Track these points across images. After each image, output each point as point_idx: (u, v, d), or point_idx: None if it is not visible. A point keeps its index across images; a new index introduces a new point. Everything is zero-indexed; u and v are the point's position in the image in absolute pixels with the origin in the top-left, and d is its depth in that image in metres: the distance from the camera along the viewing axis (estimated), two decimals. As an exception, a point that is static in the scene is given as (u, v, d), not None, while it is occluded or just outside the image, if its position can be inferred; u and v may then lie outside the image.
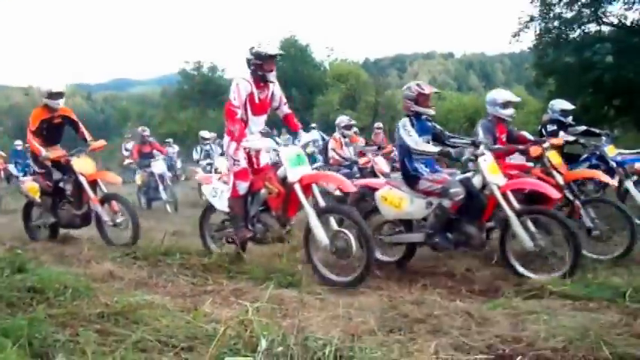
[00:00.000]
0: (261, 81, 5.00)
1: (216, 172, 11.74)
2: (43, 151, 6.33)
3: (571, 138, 7.57)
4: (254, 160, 5.17)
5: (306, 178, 4.72)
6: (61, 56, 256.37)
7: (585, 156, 7.48)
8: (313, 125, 16.19)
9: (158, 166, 11.24)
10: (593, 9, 19.19)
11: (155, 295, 3.77)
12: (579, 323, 3.01)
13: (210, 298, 3.70)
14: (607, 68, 18.91)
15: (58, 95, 6.53)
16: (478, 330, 3.04)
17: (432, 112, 5.16)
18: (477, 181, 4.78)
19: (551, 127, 7.81)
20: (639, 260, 4.99)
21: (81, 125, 6.81)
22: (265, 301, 3.18)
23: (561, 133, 7.62)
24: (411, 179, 4.98)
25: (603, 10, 19.30)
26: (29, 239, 6.76)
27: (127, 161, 19.21)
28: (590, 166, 7.24)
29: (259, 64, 4.92)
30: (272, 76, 5.03)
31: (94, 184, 6.37)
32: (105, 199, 6.38)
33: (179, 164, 18.55)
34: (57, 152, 6.51)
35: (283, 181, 4.79)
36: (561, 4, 19.52)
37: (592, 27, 19.83)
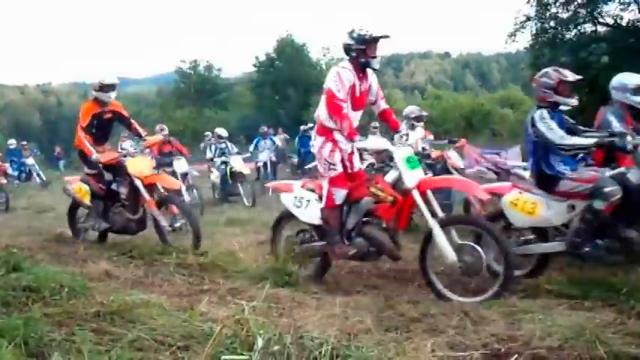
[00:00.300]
0: (361, 69, 4.38)
1: (232, 171, 11.85)
2: (94, 153, 5.80)
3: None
4: (347, 164, 4.55)
5: (424, 183, 4.17)
6: (57, 54, 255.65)
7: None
8: (312, 125, 16.08)
9: (180, 165, 10.70)
10: (589, 9, 19.24)
11: (151, 294, 3.76)
12: (575, 322, 3.02)
13: (207, 297, 3.69)
14: (603, 69, 18.96)
15: (110, 87, 6.00)
16: (474, 329, 3.04)
17: (574, 102, 4.37)
18: (635, 176, 4.05)
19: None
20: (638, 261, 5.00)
21: (133, 121, 6.35)
22: (262, 300, 3.19)
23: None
24: (549, 180, 4.28)
25: (599, 10, 19.36)
26: (74, 238, 6.36)
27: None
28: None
29: (362, 50, 4.27)
30: (376, 62, 4.37)
31: (150, 187, 5.89)
32: (162, 202, 5.95)
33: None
34: (109, 154, 6.06)
35: (393, 187, 4.24)
36: (557, 4, 19.57)
37: (588, 27, 19.90)
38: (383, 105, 4.68)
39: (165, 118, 35.02)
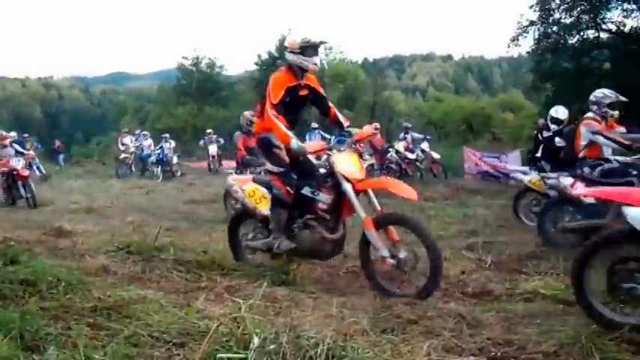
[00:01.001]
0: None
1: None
2: (294, 140, 4.30)
3: (564, 144, 7.66)
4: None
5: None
6: (58, 48, 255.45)
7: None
8: (315, 125, 15.89)
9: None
10: (592, 15, 19.30)
11: (148, 290, 3.75)
12: (571, 327, 3.03)
13: (204, 294, 3.69)
14: (604, 75, 19.01)
15: (315, 50, 4.50)
16: (470, 332, 3.05)
17: None
18: None
19: (546, 133, 7.90)
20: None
21: (331, 105, 4.83)
22: (258, 299, 3.19)
23: (557, 139, 7.70)
24: None
25: (602, 16, 19.43)
26: (235, 261, 4.89)
27: (122, 155, 19.29)
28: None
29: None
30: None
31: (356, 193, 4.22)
32: (382, 221, 4.14)
33: (175, 160, 18.56)
34: (315, 144, 4.63)
35: None
36: (560, 9, 19.64)
37: (590, 33, 19.98)
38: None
39: (165, 114, 35.13)
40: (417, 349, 2.68)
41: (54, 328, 2.76)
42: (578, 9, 19.32)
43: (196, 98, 36.89)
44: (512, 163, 13.69)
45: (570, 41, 20.01)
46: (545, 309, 3.61)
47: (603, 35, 20.00)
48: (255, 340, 2.42)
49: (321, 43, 4.52)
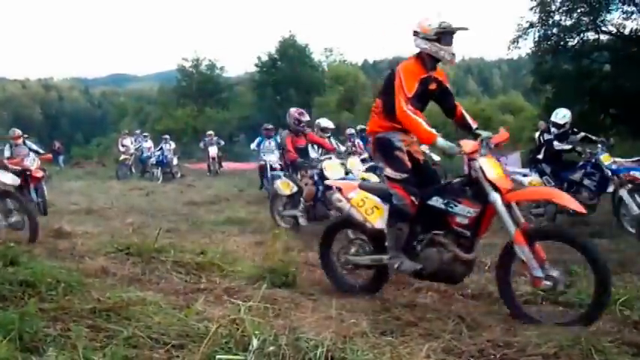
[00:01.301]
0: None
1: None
2: (442, 139, 3.70)
3: (567, 147, 7.66)
4: None
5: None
6: (59, 49, 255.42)
7: (581, 164, 7.57)
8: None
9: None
10: (592, 17, 19.33)
11: (148, 291, 3.75)
12: (571, 330, 3.02)
13: (203, 296, 3.69)
14: (604, 77, 19.05)
15: (451, 37, 3.85)
16: (470, 334, 3.05)
17: None
18: None
19: (547, 136, 7.90)
20: (633, 269, 5.01)
21: (458, 103, 4.24)
22: (258, 301, 3.18)
23: (555, 142, 7.71)
24: None
25: (602, 18, 19.45)
26: (336, 289, 4.30)
27: (122, 157, 19.29)
28: (585, 174, 7.32)
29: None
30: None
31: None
32: (535, 236, 3.51)
33: (175, 161, 18.58)
34: (467, 143, 3.63)
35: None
36: (560, 11, 19.65)
37: (590, 35, 20.00)
38: None
39: (165, 115, 35.17)
40: (417, 351, 2.68)
41: (53, 329, 2.76)
42: (578, 11, 19.33)
43: (196, 100, 36.97)
44: (513, 164, 13.68)
45: (570, 43, 20.03)
46: (544, 311, 3.60)
47: (603, 37, 20.02)
48: (255, 342, 2.42)
49: (461, 29, 3.85)
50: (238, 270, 4.65)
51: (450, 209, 3.62)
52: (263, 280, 4.08)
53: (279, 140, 11.94)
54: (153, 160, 18.24)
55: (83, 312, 3.02)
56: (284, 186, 7.57)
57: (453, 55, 3.86)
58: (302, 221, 7.33)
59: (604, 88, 18.26)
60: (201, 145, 20.06)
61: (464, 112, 4.17)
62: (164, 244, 5.33)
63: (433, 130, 3.69)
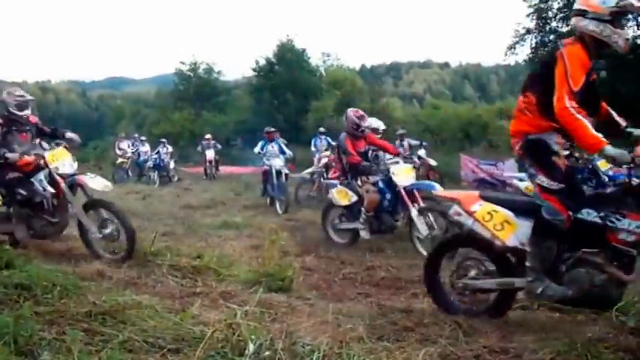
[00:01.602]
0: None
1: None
2: (610, 146, 2.99)
3: (564, 152, 7.65)
4: None
5: None
6: (56, 52, 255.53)
7: (577, 169, 7.57)
8: (322, 130, 15.36)
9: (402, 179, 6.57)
10: (588, 24, 19.41)
11: (143, 295, 3.74)
12: (567, 335, 3.02)
13: (199, 300, 3.68)
14: (601, 83, 18.99)
15: (625, 17, 3.47)
16: (466, 340, 3.04)
17: None
18: None
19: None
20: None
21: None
22: (254, 305, 3.18)
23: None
24: None
25: (598, 26, 19.52)
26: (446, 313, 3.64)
27: (119, 160, 19.25)
28: (582, 180, 7.33)
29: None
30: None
31: None
32: None
33: (172, 165, 18.56)
34: None
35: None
36: (557, 18, 19.76)
37: (587, 42, 20.07)
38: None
39: (163, 119, 35.12)
40: (413, 357, 2.68)
41: (48, 332, 2.75)
42: (575, 18, 19.47)
43: (194, 103, 36.94)
44: (509, 170, 13.70)
45: (567, 50, 20.14)
46: (540, 317, 3.60)
47: (599, 44, 20.14)
48: (251, 347, 2.42)
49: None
50: (234, 274, 4.64)
51: (611, 224, 3.02)
52: (259, 285, 4.07)
53: (282, 147, 11.64)
54: (150, 164, 18.21)
55: (79, 315, 3.01)
56: (341, 195, 6.81)
57: (627, 40, 3.28)
58: (364, 234, 6.62)
59: (601, 94, 18.32)
60: (199, 148, 20.04)
61: (609, 108, 3.66)
62: (160, 248, 5.32)
63: (600, 136, 3.03)
